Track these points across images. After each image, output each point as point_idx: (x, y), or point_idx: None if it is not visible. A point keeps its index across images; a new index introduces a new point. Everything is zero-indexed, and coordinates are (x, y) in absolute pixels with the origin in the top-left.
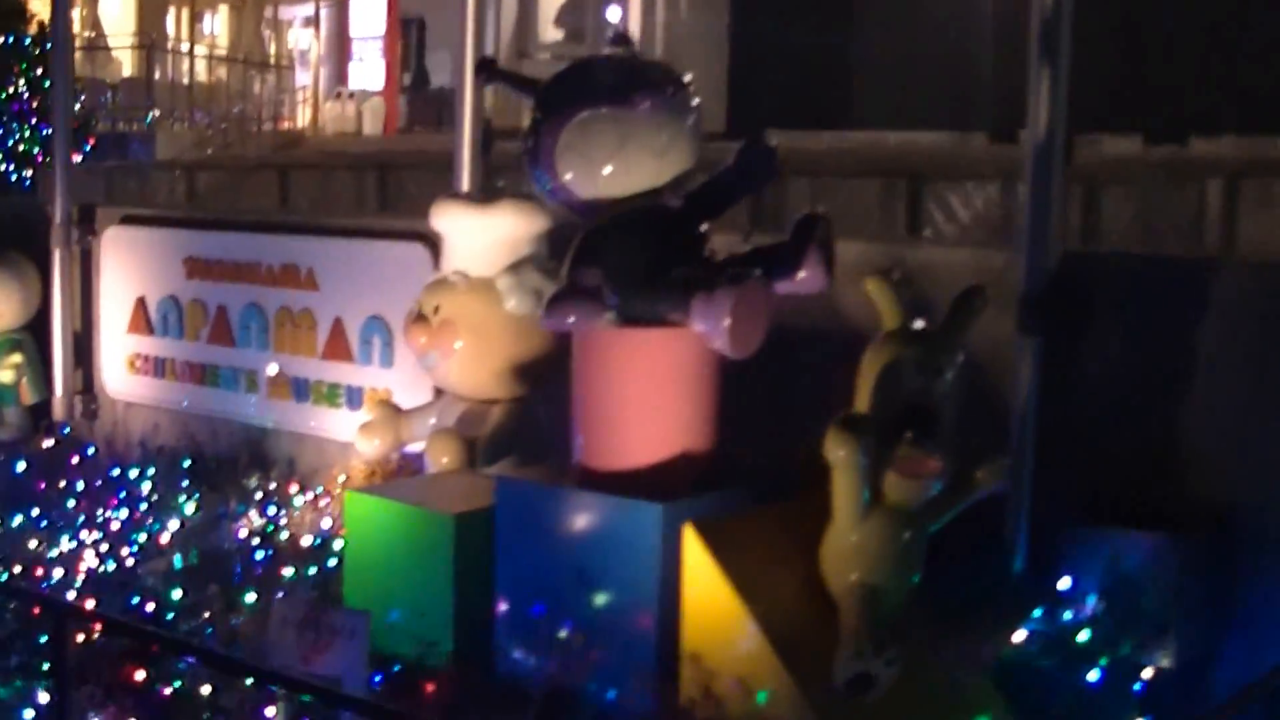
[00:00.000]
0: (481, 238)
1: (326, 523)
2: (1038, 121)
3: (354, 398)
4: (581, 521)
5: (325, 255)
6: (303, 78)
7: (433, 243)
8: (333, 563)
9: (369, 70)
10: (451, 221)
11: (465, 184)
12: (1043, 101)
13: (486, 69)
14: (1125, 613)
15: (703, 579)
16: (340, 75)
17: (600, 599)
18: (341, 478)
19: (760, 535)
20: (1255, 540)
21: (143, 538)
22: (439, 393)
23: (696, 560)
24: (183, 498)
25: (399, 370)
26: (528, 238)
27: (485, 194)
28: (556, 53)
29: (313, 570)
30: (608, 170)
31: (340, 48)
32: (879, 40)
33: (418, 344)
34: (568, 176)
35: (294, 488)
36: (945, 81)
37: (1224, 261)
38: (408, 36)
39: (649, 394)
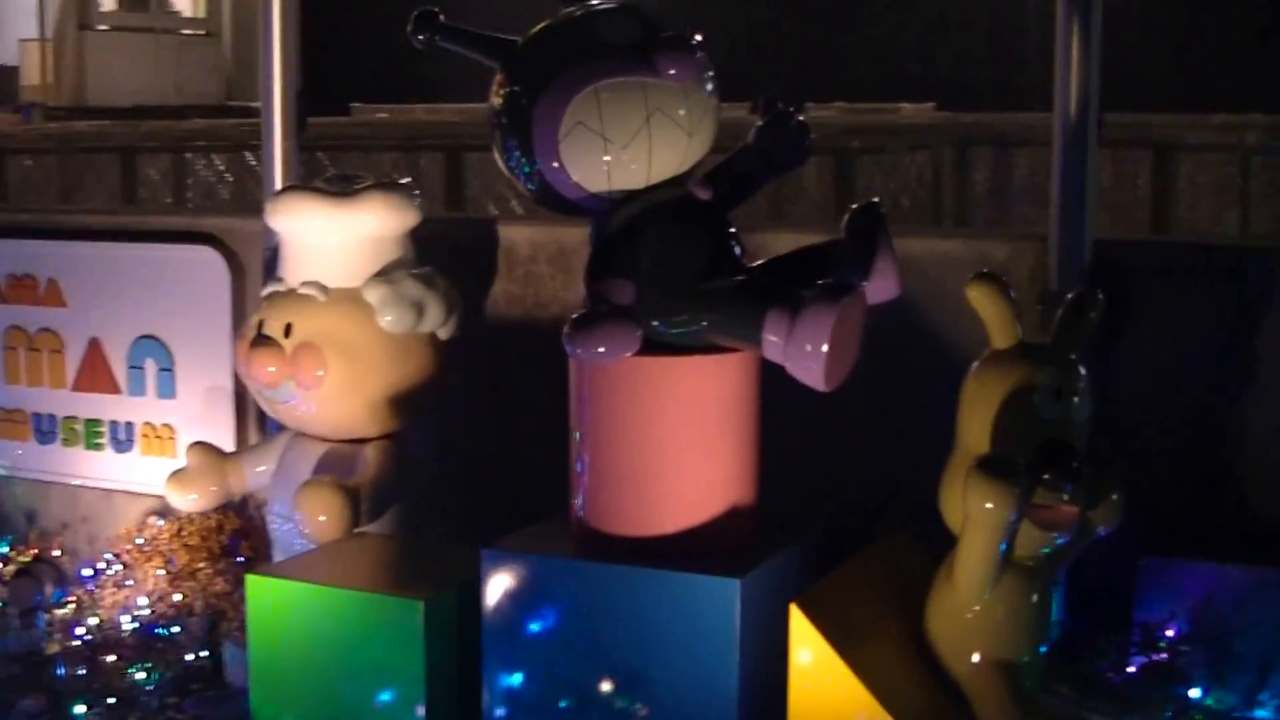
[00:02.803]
0: (342, 239)
1: (142, 601)
2: (1069, 98)
3: (123, 436)
4: (625, 602)
5: (74, 263)
6: None
7: (226, 245)
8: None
9: None
10: (301, 219)
11: (278, 170)
12: (1074, 76)
13: (429, 25)
14: (1221, 658)
15: (816, 664)
16: None
17: (654, 692)
18: (138, 539)
19: (854, 602)
20: None
21: None
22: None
23: (808, 643)
24: None
25: (185, 401)
26: (395, 238)
27: (340, 184)
28: (117, 23)
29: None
30: (630, 155)
31: None
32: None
33: (264, 374)
34: (575, 164)
35: (56, 551)
36: None
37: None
38: None
39: (700, 438)
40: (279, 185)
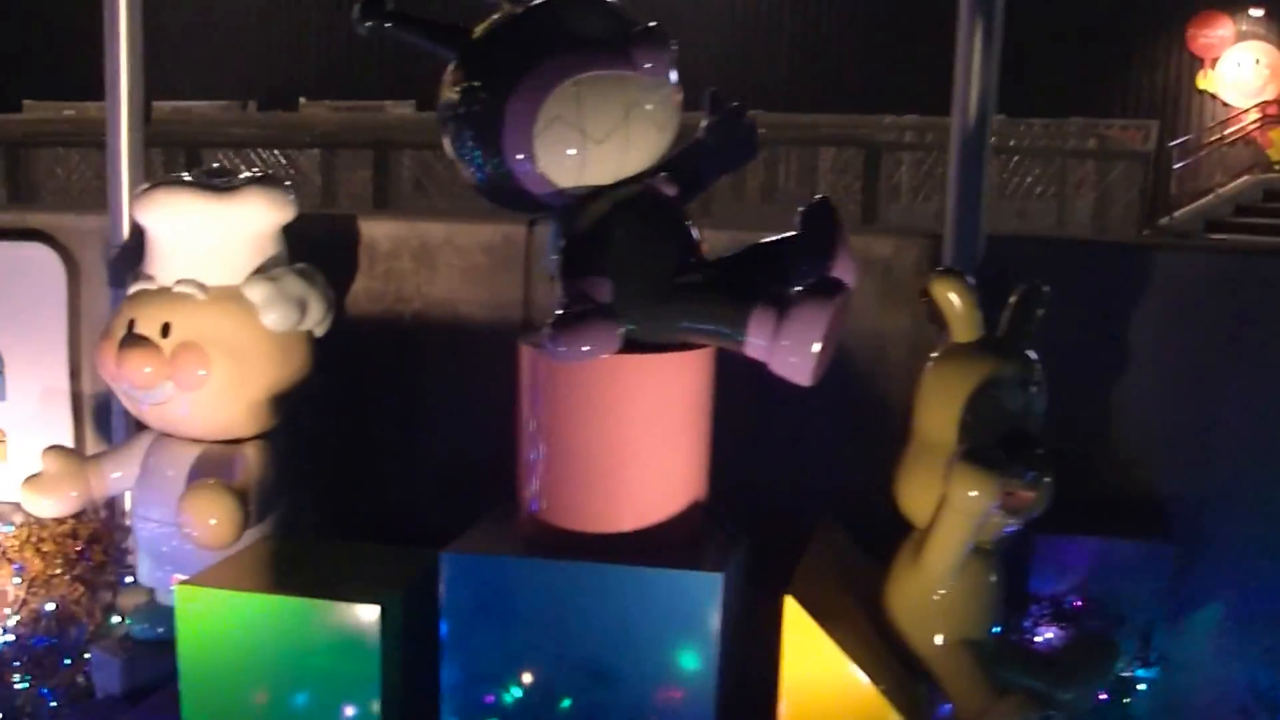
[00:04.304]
0: (221, 234)
1: (7, 613)
2: (967, 103)
3: None
4: (599, 599)
5: None
6: None
7: (60, 243)
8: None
9: None
10: (178, 215)
11: (124, 164)
12: (974, 82)
13: (375, 11)
14: (1111, 623)
15: (809, 651)
16: None
17: (628, 687)
18: None
19: (825, 590)
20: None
21: None
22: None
23: (801, 631)
24: None
25: (16, 404)
26: (272, 233)
27: (214, 179)
28: None
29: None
30: (607, 150)
31: None
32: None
33: (139, 375)
34: (548, 159)
35: None
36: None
37: (1150, 244)
38: None
39: (666, 434)
40: (125, 181)
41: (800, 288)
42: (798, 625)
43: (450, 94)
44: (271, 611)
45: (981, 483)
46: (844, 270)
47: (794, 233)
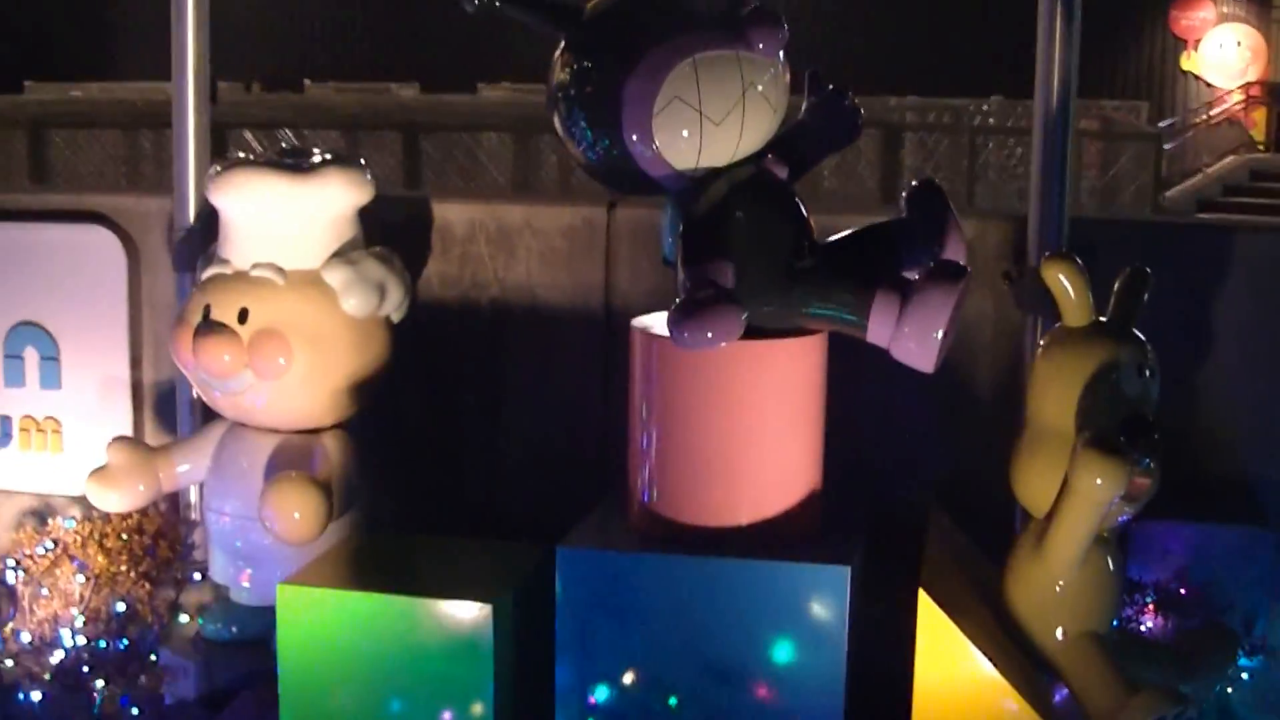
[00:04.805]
0: (300, 217)
1: (74, 614)
2: (1050, 84)
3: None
4: (723, 595)
5: None
6: None
7: (120, 226)
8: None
9: None
10: (256, 197)
11: (191, 145)
12: (1055, 66)
13: None
14: (1214, 611)
15: (942, 646)
16: None
17: (754, 683)
18: (48, 543)
19: (952, 583)
20: None
21: None
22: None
23: (934, 626)
24: None
25: (71, 393)
26: (350, 216)
27: (293, 159)
28: None
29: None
30: (724, 131)
31: None
32: None
33: (217, 363)
34: (667, 140)
35: None
36: None
37: (1237, 225)
38: None
39: (786, 422)
40: (191, 162)
41: (923, 273)
42: (931, 620)
43: (563, 74)
44: (378, 611)
45: (1110, 470)
46: (954, 252)
47: (902, 215)
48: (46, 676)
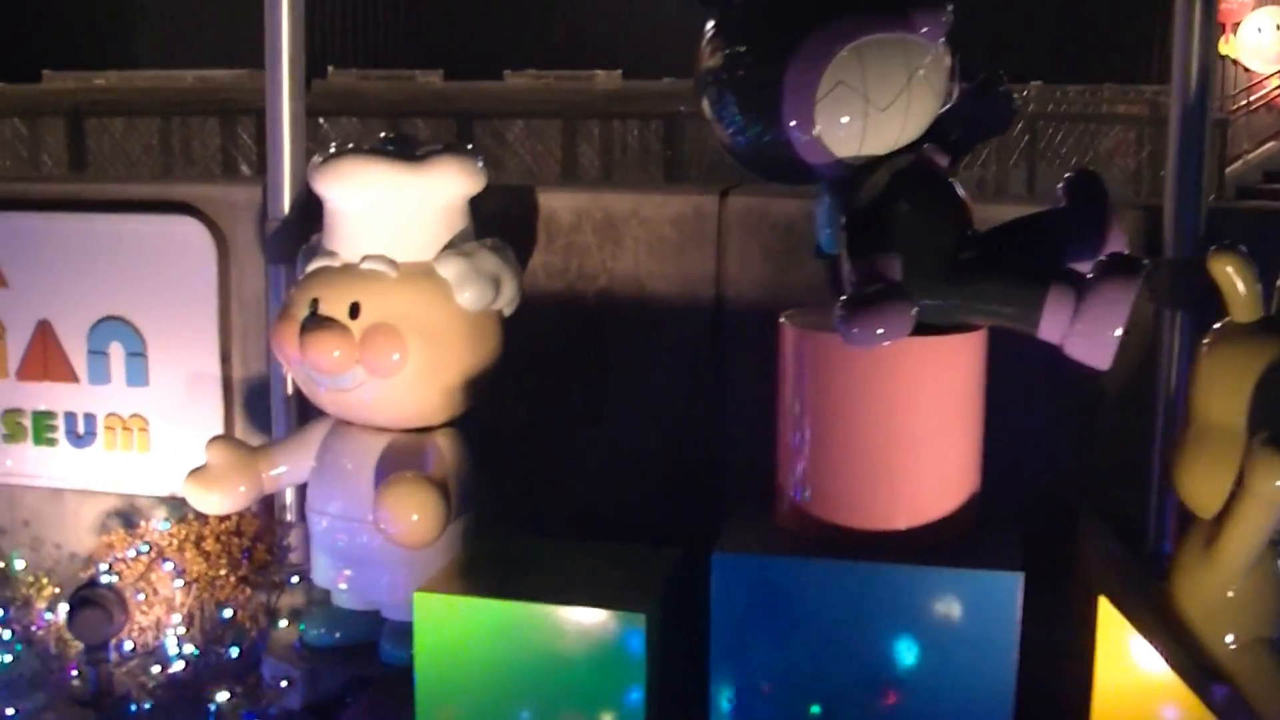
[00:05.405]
0: (413, 207)
1: (176, 621)
2: (1187, 72)
3: (82, 429)
4: (887, 601)
5: (17, 237)
6: None
7: (209, 217)
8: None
9: None
10: (367, 186)
11: (286, 133)
12: (1193, 51)
13: None
14: None
15: (1123, 652)
16: None
17: (919, 690)
18: (140, 548)
19: (1123, 587)
20: None
21: None
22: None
23: (1115, 632)
24: None
25: (159, 390)
26: (461, 206)
27: (402, 147)
28: None
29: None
30: (888, 118)
31: None
32: None
33: (327, 359)
34: (830, 127)
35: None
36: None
37: None
38: None
39: (949, 422)
40: (286, 150)
41: (1099, 267)
42: (1111, 628)
43: (716, 58)
44: (522, 619)
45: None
46: (1115, 244)
47: (1061, 206)
48: (151, 686)
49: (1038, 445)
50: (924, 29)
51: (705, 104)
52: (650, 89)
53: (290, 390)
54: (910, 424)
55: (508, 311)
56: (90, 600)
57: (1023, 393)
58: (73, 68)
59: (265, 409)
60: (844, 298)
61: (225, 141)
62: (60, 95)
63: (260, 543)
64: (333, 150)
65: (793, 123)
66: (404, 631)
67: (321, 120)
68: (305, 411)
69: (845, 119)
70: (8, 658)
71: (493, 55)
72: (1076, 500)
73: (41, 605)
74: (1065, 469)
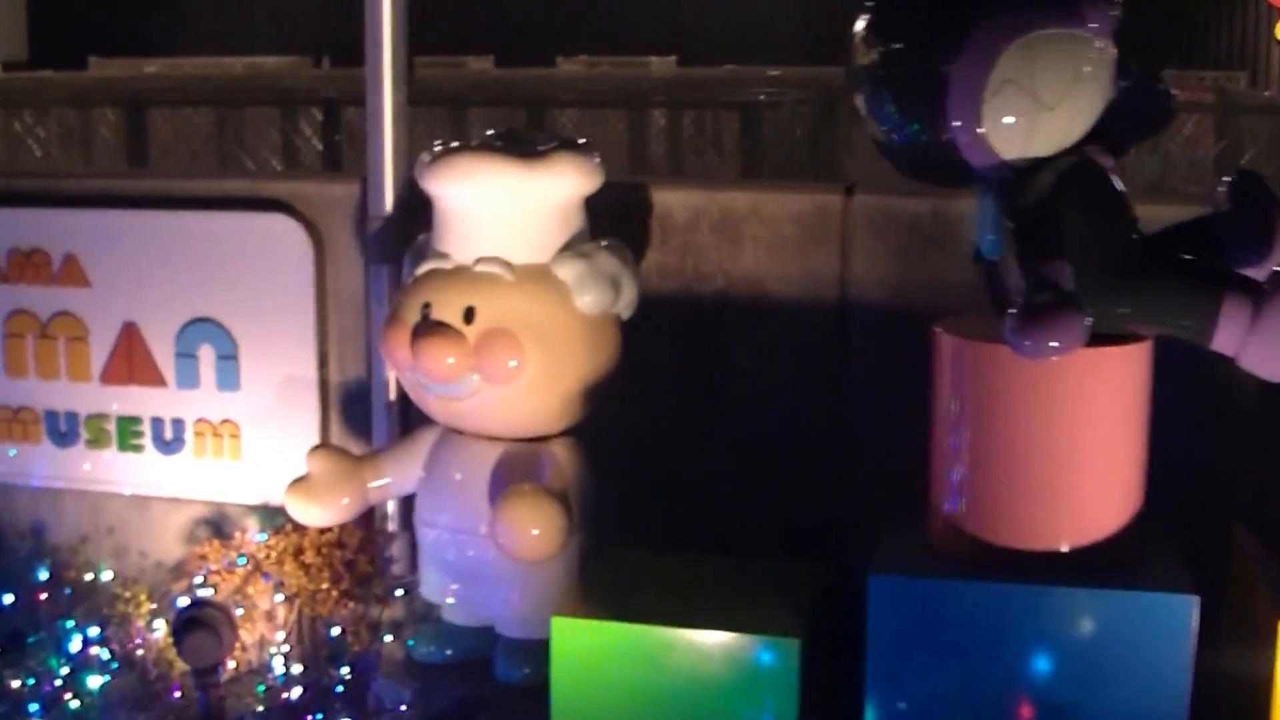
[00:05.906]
0: (530, 206)
1: (279, 638)
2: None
3: (169, 435)
4: (1054, 626)
5: (99, 235)
6: None
7: (304, 215)
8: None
9: None
10: (483, 185)
11: (388, 127)
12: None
13: None
14: None
15: None
16: None
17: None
18: (239, 558)
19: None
20: None
21: None
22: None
23: None
24: None
25: (251, 395)
26: (579, 205)
27: (517, 143)
28: None
29: None
30: (1056, 117)
31: None
32: None
33: (440, 366)
34: (997, 127)
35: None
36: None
37: None
38: None
39: (1122, 438)
40: (388, 145)
41: (1276, 276)
42: None
43: (871, 53)
44: (666, 646)
45: None
46: None
47: (1225, 209)
48: (260, 708)
49: (1191, 456)
50: (1094, 23)
51: (858, 101)
52: (710, 75)
53: (393, 396)
54: (1078, 439)
55: (626, 315)
56: (199, 621)
57: (1176, 403)
58: (120, 54)
59: (364, 415)
60: (1013, 308)
61: (288, 133)
62: (114, 84)
63: (362, 554)
64: (444, 147)
65: (957, 122)
66: (519, 649)
67: None
68: (409, 418)
69: (1013, 118)
70: (106, 678)
71: (545, 41)
72: (1230, 516)
73: (140, 623)
74: (1219, 483)
